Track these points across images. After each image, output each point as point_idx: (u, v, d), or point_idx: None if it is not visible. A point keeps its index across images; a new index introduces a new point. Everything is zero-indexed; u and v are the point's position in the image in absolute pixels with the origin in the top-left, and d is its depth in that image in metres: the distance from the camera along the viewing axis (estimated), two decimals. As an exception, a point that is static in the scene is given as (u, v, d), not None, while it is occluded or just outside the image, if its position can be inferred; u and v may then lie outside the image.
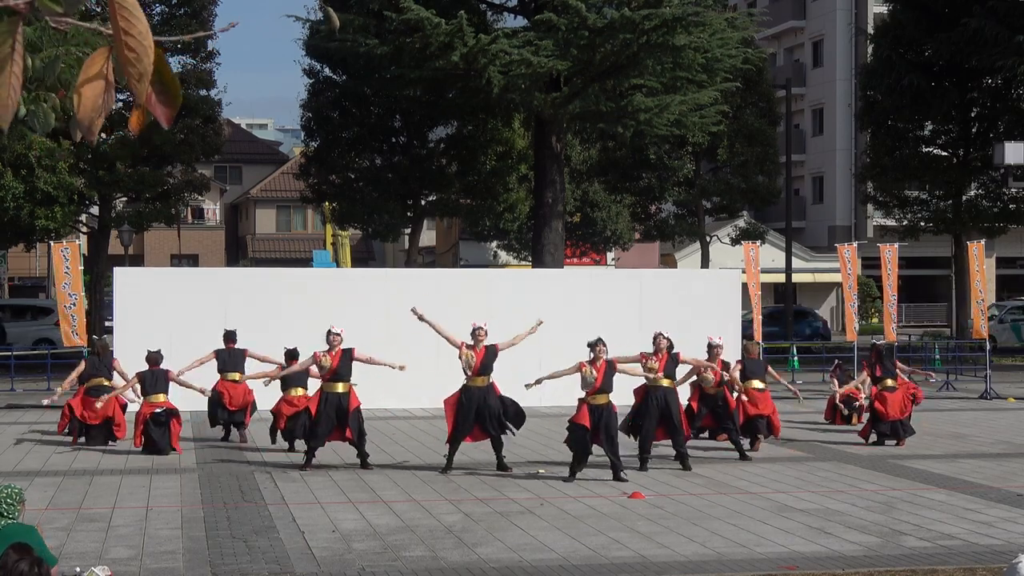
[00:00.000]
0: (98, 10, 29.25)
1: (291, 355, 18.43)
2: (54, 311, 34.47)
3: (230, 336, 19.81)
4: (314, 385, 17.35)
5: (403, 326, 24.73)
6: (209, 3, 37.61)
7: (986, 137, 41.88)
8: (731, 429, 17.60)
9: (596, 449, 15.75)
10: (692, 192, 44.35)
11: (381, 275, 28.32)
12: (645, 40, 29.04)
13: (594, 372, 15.41)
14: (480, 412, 16.06)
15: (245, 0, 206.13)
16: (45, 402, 20.12)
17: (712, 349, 18.00)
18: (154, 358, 18.33)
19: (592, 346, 15.57)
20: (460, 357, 16.16)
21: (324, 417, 16.24)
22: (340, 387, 16.35)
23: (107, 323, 33.87)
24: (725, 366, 17.80)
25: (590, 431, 15.34)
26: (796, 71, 58.67)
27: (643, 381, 16.67)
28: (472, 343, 16.21)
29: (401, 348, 24.41)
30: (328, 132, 38.07)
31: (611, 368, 15.50)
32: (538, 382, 15.82)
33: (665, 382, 16.46)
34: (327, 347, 16.46)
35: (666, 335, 16.68)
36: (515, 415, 16.27)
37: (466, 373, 16.16)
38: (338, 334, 16.49)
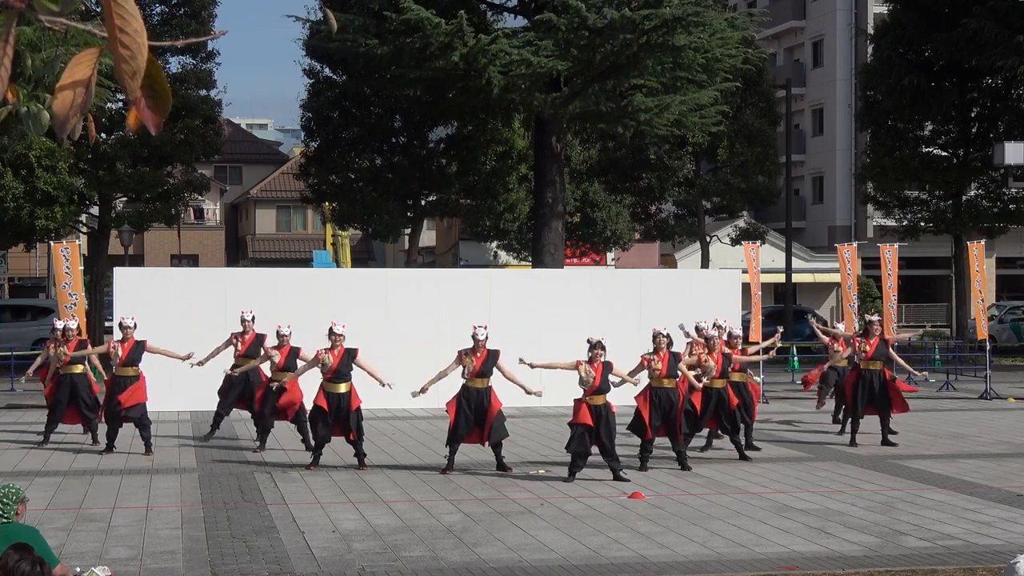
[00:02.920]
0: (97, 10, 29.26)
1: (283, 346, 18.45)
2: (54, 311, 34.47)
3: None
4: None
5: (403, 326, 24.77)
6: (209, 3, 37.60)
7: (986, 137, 41.88)
8: (732, 431, 17.58)
9: (596, 449, 15.75)
10: (692, 192, 44.35)
11: (381, 275, 28.32)
12: (645, 40, 29.03)
13: (592, 372, 15.42)
14: (478, 414, 16.08)
15: (245, 0, 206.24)
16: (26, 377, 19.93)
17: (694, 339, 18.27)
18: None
19: (592, 347, 15.58)
20: (462, 364, 16.17)
21: (325, 417, 16.30)
22: (342, 387, 16.38)
23: (107, 323, 33.90)
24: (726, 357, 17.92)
25: (592, 428, 15.35)
26: (796, 71, 58.64)
27: (643, 385, 16.68)
28: (472, 348, 16.22)
29: (401, 348, 24.44)
30: (328, 132, 38.07)
31: (608, 368, 15.50)
32: (530, 365, 15.83)
33: (667, 382, 16.43)
34: (329, 345, 16.53)
35: (665, 333, 16.56)
36: (496, 429, 16.22)
37: (464, 376, 16.23)
38: (340, 333, 16.54)
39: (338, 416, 16.33)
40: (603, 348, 15.59)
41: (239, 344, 19.29)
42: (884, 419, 19.19)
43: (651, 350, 16.47)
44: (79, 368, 18.67)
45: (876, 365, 19.25)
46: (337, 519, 13.00)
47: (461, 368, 16.24)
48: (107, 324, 32.34)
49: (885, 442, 18.97)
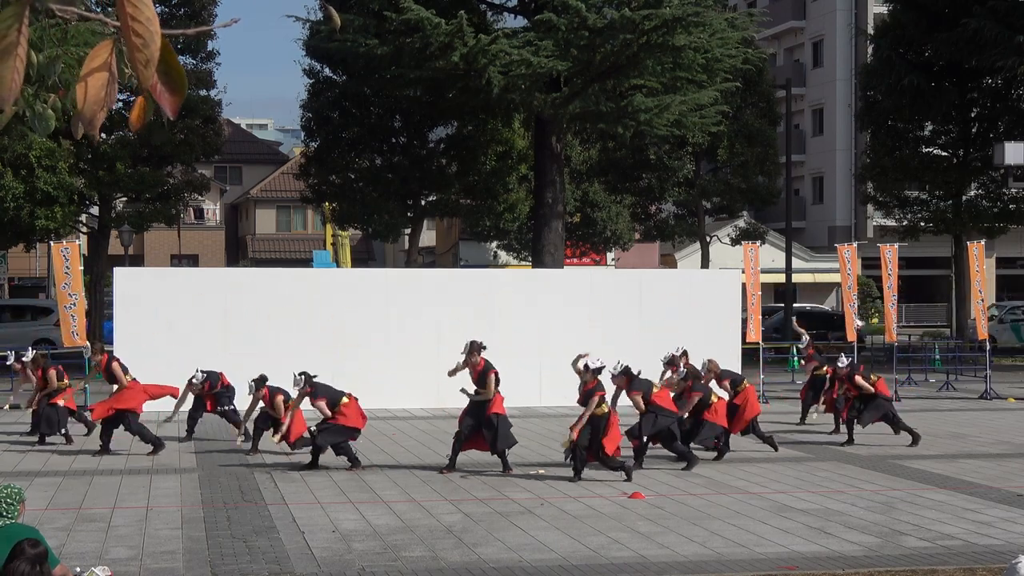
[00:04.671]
0: (98, 10, 29.23)
1: (260, 382, 17.69)
2: (54, 311, 34.44)
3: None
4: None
5: (403, 326, 24.77)
6: (209, 3, 37.62)
7: (986, 137, 41.89)
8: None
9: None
10: (692, 192, 44.36)
11: (381, 275, 28.33)
12: (645, 40, 29.03)
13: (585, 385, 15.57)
14: (479, 419, 16.05)
15: (245, 0, 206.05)
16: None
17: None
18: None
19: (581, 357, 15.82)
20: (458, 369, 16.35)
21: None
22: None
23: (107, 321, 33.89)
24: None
25: (578, 443, 15.35)
26: (796, 71, 58.66)
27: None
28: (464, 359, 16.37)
29: (401, 348, 24.45)
30: (328, 132, 38.08)
31: (594, 389, 15.43)
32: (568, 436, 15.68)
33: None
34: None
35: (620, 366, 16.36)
36: (496, 439, 16.16)
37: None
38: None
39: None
40: (590, 369, 15.56)
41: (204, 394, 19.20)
42: (894, 423, 19.22)
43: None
44: (60, 400, 18.87)
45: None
46: (337, 519, 12.99)
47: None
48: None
49: (914, 441, 19.00)
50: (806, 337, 23.35)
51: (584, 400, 15.34)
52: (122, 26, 2.26)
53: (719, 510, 13.62)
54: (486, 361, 16.09)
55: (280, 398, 17.13)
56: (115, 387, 18.20)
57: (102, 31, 2.50)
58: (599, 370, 15.51)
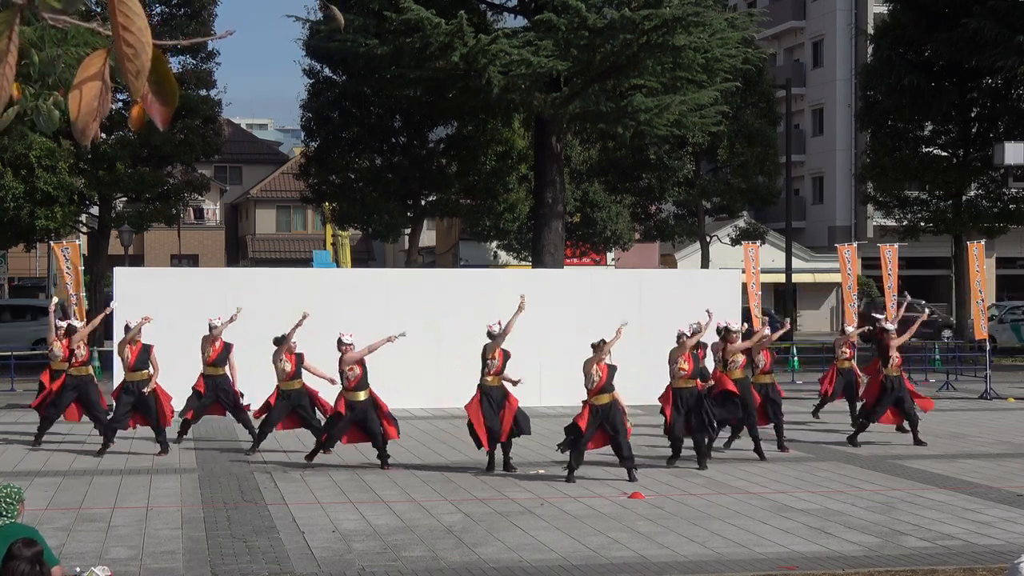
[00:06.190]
0: (98, 11, 29.26)
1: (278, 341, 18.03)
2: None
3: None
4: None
5: (403, 326, 24.75)
6: (209, 3, 37.62)
7: (986, 137, 41.90)
8: (751, 428, 17.63)
9: (597, 448, 15.78)
10: (692, 192, 44.39)
11: (381, 275, 28.31)
12: (645, 40, 29.04)
13: (599, 372, 15.40)
14: (500, 411, 16.08)
15: (245, 0, 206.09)
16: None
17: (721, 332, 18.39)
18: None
19: (595, 347, 15.55)
20: (493, 358, 16.15)
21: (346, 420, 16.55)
22: (361, 395, 16.56)
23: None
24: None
25: (585, 434, 15.35)
26: (796, 71, 58.66)
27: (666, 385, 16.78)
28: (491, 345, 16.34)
29: (401, 348, 24.43)
30: (328, 132, 38.07)
31: (613, 370, 15.48)
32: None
33: (691, 383, 16.58)
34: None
35: (689, 333, 16.55)
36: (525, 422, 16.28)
37: (486, 375, 16.20)
38: (349, 343, 16.65)
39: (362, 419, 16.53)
40: (607, 348, 15.58)
41: (209, 351, 19.09)
42: (913, 422, 19.22)
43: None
44: (87, 370, 18.61)
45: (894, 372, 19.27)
46: (337, 519, 13.00)
47: (490, 365, 16.21)
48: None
49: (917, 442, 18.97)
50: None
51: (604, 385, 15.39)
52: (113, 35, 2.26)
53: (719, 510, 13.62)
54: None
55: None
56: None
57: (100, 30, 2.49)
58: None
